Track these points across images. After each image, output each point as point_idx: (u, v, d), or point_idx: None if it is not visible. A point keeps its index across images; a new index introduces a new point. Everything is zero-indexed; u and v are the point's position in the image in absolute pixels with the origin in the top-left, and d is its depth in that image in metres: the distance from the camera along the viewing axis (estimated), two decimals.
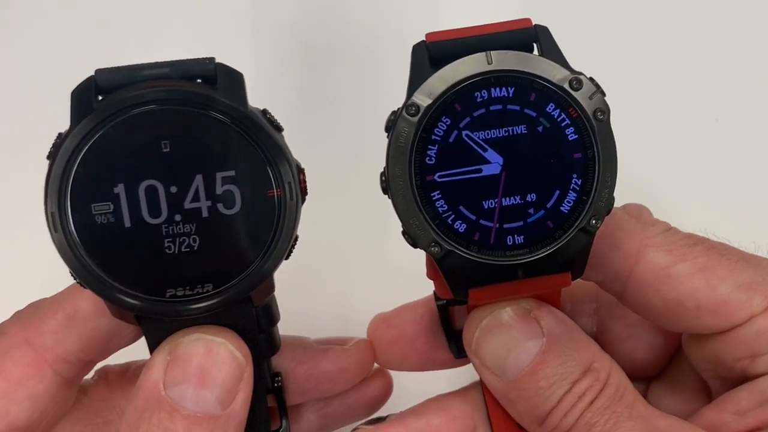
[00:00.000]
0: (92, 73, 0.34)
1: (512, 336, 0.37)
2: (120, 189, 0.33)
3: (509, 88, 0.35)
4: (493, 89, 0.35)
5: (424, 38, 0.36)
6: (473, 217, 0.35)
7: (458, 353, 0.43)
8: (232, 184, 0.34)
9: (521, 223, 0.35)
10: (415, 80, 0.35)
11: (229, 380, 0.34)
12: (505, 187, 0.35)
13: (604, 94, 0.35)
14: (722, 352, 0.38)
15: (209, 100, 0.33)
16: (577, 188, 0.35)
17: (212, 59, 0.35)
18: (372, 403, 0.45)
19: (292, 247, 0.35)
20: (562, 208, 0.35)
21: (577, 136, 0.35)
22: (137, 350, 0.39)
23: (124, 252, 0.34)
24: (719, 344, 0.38)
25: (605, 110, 0.35)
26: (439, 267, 0.36)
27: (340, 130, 0.60)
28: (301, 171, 0.35)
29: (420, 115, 0.35)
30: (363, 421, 0.44)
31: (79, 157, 0.33)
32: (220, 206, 0.34)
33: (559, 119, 0.35)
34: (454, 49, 0.35)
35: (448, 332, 0.43)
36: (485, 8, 0.55)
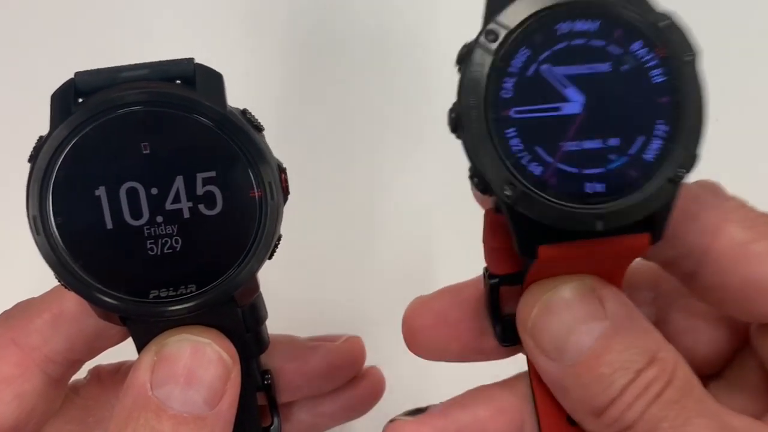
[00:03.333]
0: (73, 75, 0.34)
1: (574, 315, 0.33)
2: (101, 191, 0.33)
3: (594, 22, 0.32)
4: (577, 21, 0.32)
5: None
6: (550, 160, 0.32)
7: (504, 340, 0.38)
8: (213, 185, 0.34)
9: (602, 169, 0.32)
10: (494, 6, 0.32)
11: (216, 380, 0.34)
12: (586, 129, 0.32)
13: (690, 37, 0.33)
14: None
15: (188, 102, 0.34)
16: (663, 135, 0.33)
17: (191, 60, 0.35)
18: (364, 402, 0.44)
19: (275, 246, 0.35)
20: (645, 156, 0.32)
21: (664, 79, 0.32)
22: (128, 350, 0.38)
23: (106, 254, 0.34)
24: None
25: (694, 52, 0.32)
26: (510, 216, 0.33)
27: (331, 128, 0.58)
28: (282, 171, 0.35)
29: (499, 42, 0.32)
30: (401, 413, 0.39)
31: (60, 160, 0.33)
32: (201, 207, 0.34)
33: (645, 59, 0.32)
34: None
35: (495, 315, 0.38)
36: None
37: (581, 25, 0.32)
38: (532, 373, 0.37)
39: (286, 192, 0.35)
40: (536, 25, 0.32)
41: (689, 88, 0.33)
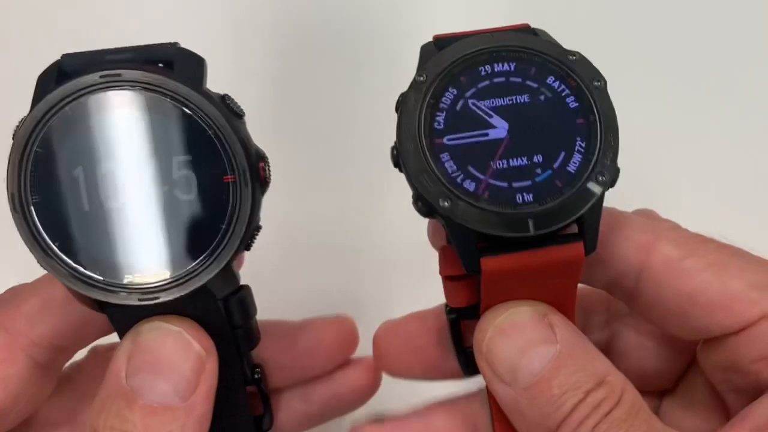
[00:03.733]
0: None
1: (526, 338, 0.35)
2: (79, 172, 0.34)
3: (511, 63, 0.37)
4: (496, 64, 0.37)
5: (431, 39, 0.39)
6: (482, 176, 0.36)
7: (467, 370, 0.40)
8: (188, 169, 0.34)
9: (530, 182, 0.36)
10: (424, 57, 0.38)
11: (188, 371, 0.34)
12: (512, 149, 0.36)
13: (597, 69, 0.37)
14: (736, 355, 0.36)
15: (163, 83, 0.34)
16: (582, 149, 0.36)
17: (174, 44, 0.36)
18: (359, 392, 0.44)
19: (253, 236, 0.35)
20: (568, 168, 0.36)
21: (578, 104, 0.37)
22: None
23: (82, 235, 0.34)
24: (732, 347, 0.36)
25: (601, 79, 0.37)
26: (451, 232, 0.36)
27: (325, 122, 0.59)
28: (262, 159, 0.36)
29: (427, 83, 0.37)
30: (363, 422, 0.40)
31: (38, 139, 0.33)
32: (176, 191, 0.34)
33: (559, 90, 0.37)
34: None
35: (458, 347, 0.41)
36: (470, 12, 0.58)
37: (499, 67, 0.37)
38: (490, 396, 0.38)
39: (264, 181, 0.35)
40: (460, 68, 0.37)
41: (601, 108, 0.37)
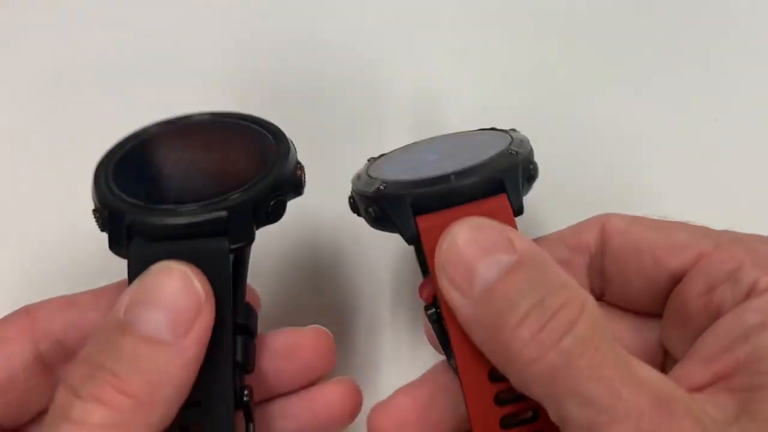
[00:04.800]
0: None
1: (483, 245, 0.35)
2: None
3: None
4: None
5: None
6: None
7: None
8: None
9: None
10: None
11: (185, 309, 0.34)
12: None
13: None
14: (684, 297, 0.37)
15: None
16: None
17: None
18: (338, 410, 0.42)
19: (299, 181, 0.40)
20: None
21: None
22: None
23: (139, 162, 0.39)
24: (681, 292, 0.38)
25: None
26: (386, 204, 0.38)
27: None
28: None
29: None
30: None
31: None
32: None
33: None
34: None
35: (445, 347, 0.38)
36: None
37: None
38: (457, 356, 0.37)
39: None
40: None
41: None
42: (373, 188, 0.38)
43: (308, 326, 0.43)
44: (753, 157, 0.55)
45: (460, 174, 0.38)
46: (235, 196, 0.38)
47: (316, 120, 0.56)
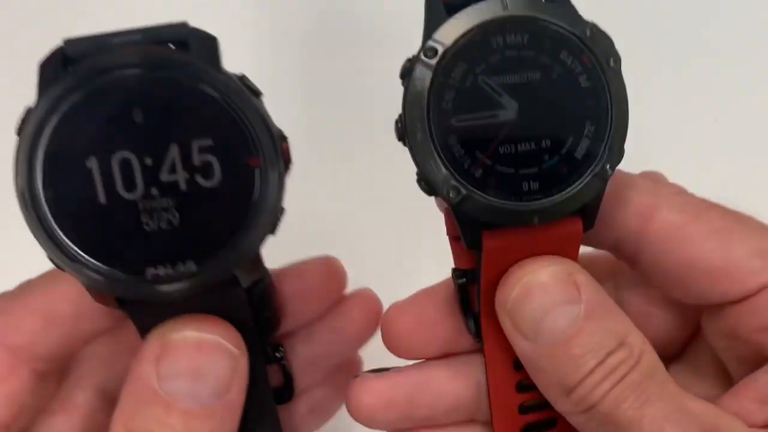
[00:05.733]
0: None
1: (552, 298, 0.35)
2: (92, 162, 0.31)
3: (524, 35, 0.35)
4: (508, 35, 0.35)
5: None
6: (489, 163, 0.35)
7: (478, 335, 0.40)
8: (210, 153, 0.32)
9: (536, 168, 0.35)
10: (432, 25, 0.35)
11: (224, 373, 0.34)
12: (521, 132, 0.35)
13: (614, 45, 0.36)
14: (737, 324, 0.37)
15: (182, 64, 0.32)
16: (591, 135, 0.36)
17: (184, 23, 0.33)
18: (360, 322, 0.43)
19: (278, 220, 0.33)
20: (576, 154, 0.36)
21: (590, 84, 0.36)
22: None
23: (100, 229, 0.32)
24: (734, 315, 0.37)
25: (617, 59, 0.35)
26: (455, 214, 0.36)
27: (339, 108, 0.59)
28: (283, 139, 0.34)
29: (438, 58, 0.35)
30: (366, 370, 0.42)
31: (47, 131, 0.31)
32: (198, 177, 0.32)
33: (572, 66, 0.36)
34: None
35: (467, 313, 0.40)
36: None
37: (512, 39, 0.36)
38: (485, 347, 0.40)
39: (287, 162, 0.34)
40: (471, 40, 0.35)
41: (613, 91, 0.35)
42: (449, 194, 0.35)
43: (314, 258, 0.42)
44: (753, 157, 0.52)
45: (543, 213, 0.35)
46: (238, 253, 0.33)
47: None
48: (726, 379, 0.40)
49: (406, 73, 0.35)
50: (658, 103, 0.57)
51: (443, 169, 0.35)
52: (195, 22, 0.34)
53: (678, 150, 0.57)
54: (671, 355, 0.42)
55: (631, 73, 0.59)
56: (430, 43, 0.35)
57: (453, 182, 0.35)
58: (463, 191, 0.35)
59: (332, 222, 0.56)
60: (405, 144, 0.35)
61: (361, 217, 0.57)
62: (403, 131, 0.35)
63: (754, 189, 0.57)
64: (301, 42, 0.61)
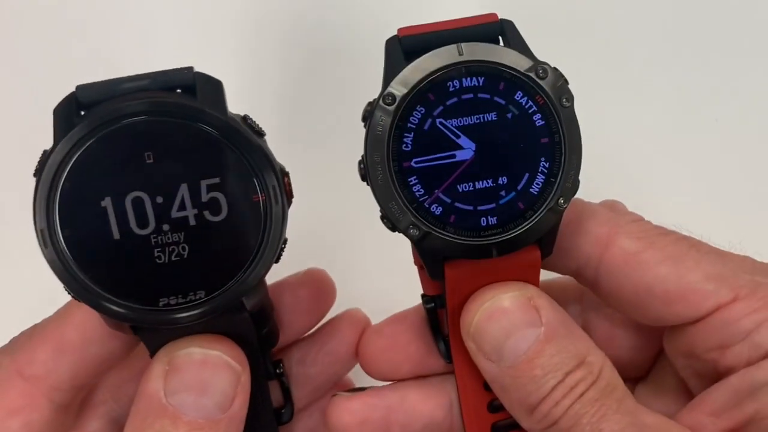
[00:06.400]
0: (73, 89, 0.35)
1: (512, 322, 0.37)
2: (107, 202, 0.34)
3: (479, 78, 0.37)
4: (464, 79, 0.37)
5: (396, 33, 0.38)
6: (448, 200, 0.37)
7: (448, 357, 0.42)
8: (217, 191, 0.35)
9: (494, 204, 0.37)
10: (390, 72, 0.37)
11: (227, 387, 0.36)
12: (478, 171, 0.37)
13: (567, 83, 0.37)
14: (694, 343, 0.39)
15: (189, 110, 0.35)
16: (546, 171, 0.37)
17: (191, 69, 0.36)
18: (349, 342, 0.45)
19: (281, 250, 0.36)
20: (531, 190, 0.37)
21: (543, 122, 0.37)
22: None
23: (114, 264, 0.34)
24: (690, 335, 0.39)
25: (570, 97, 0.37)
26: (417, 249, 0.37)
27: (331, 126, 0.61)
28: (285, 174, 0.36)
29: (396, 104, 0.37)
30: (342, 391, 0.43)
31: (65, 173, 0.34)
32: (206, 213, 0.35)
33: (526, 106, 0.37)
34: (426, 42, 0.37)
35: (437, 335, 0.43)
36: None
37: (468, 82, 0.37)
38: (456, 367, 0.42)
39: (289, 195, 0.36)
40: (429, 85, 0.37)
41: (566, 128, 0.37)
42: (410, 232, 0.37)
43: (302, 272, 0.44)
44: (753, 157, 0.52)
45: (502, 246, 0.37)
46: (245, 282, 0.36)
47: None
48: (688, 396, 0.41)
49: (368, 116, 0.37)
50: (658, 103, 0.57)
51: (404, 208, 0.37)
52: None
53: (678, 150, 0.57)
54: (638, 374, 0.44)
55: (631, 73, 0.59)
56: (390, 89, 0.37)
57: (413, 220, 0.37)
58: (424, 228, 0.37)
59: (324, 234, 0.58)
60: (368, 183, 0.37)
61: (352, 228, 0.59)
62: (366, 172, 0.37)
63: (754, 189, 0.56)
64: (286, 46, 0.62)
